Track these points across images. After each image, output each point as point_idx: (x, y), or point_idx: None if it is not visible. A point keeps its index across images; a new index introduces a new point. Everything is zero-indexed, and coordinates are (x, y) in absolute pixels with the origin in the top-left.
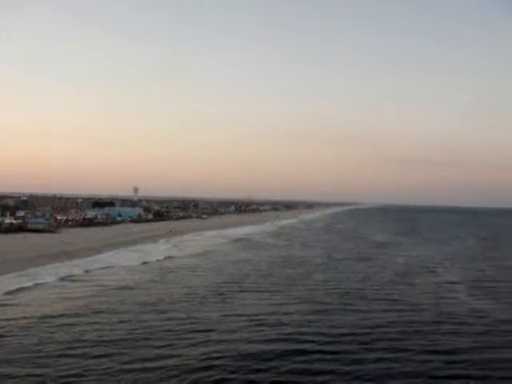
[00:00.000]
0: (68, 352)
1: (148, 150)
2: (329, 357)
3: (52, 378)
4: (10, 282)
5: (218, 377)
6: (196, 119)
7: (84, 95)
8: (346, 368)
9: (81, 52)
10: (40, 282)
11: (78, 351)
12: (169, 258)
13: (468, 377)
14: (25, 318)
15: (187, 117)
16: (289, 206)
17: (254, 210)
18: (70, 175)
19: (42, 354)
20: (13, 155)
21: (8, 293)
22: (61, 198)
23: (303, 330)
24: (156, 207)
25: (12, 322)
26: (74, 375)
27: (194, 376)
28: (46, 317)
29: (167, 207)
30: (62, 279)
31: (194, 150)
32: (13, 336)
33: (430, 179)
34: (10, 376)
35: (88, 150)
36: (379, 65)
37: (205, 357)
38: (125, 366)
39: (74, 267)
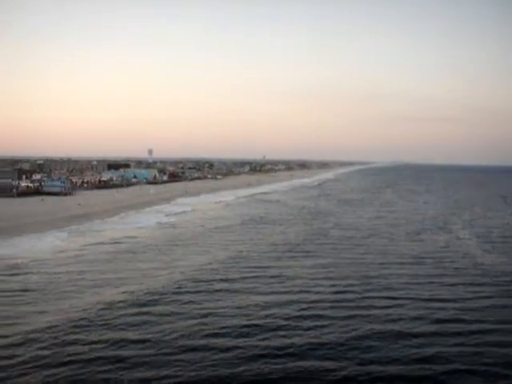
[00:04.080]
0: None
1: (162, 112)
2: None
3: None
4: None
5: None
6: (210, 83)
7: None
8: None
9: None
10: None
11: None
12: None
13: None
14: None
15: (198, 78)
16: (303, 166)
17: (268, 170)
18: (85, 138)
19: None
20: (29, 120)
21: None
22: (76, 161)
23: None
24: (171, 168)
25: None
26: None
27: None
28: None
29: (182, 168)
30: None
31: (209, 112)
32: None
33: (445, 137)
34: None
35: (102, 113)
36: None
37: None
38: None
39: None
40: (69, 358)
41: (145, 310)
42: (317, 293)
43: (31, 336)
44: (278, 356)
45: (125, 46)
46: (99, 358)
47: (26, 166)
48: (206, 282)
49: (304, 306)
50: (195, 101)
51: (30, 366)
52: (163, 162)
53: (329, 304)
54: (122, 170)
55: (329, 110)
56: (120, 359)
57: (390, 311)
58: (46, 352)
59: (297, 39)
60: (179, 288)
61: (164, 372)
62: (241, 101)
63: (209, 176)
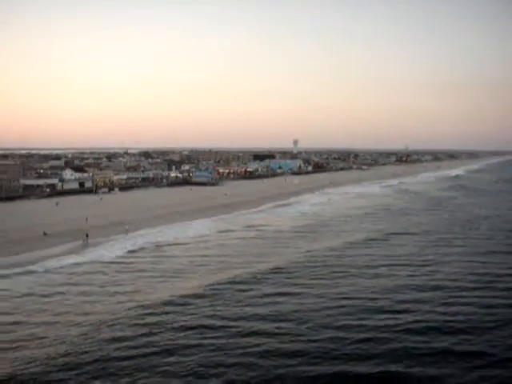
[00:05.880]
0: None
1: (306, 103)
2: None
3: None
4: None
5: None
6: (349, 71)
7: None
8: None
9: None
10: None
11: None
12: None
13: None
14: None
15: (342, 68)
16: (451, 156)
17: (414, 161)
18: (231, 129)
19: None
20: (177, 112)
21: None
22: (223, 152)
23: None
24: (315, 159)
25: None
26: None
27: None
28: None
29: (327, 158)
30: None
31: (351, 102)
32: None
33: None
34: None
35: (248, 104)
36: None
37: None
38: None
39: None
40: (198, 324)
41: (273, 290)
42: (460, 280)
43: (158, 310)
44: (416, 341)
45: (276, 41)
46: (231, 334)
47: (176, 157)
48: (340, 266)
49: (445, 294)
50: (340, 92)
51: (155, 330)
52: (308, 152)
53: (471, 292)
54: (267, 161)
55: (480, 100)
56: (250, 333)
57: None
58: (177, 319)
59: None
60: (311, 271)
61: (301, 347)
62: (384, 92)
63: (354, 167)
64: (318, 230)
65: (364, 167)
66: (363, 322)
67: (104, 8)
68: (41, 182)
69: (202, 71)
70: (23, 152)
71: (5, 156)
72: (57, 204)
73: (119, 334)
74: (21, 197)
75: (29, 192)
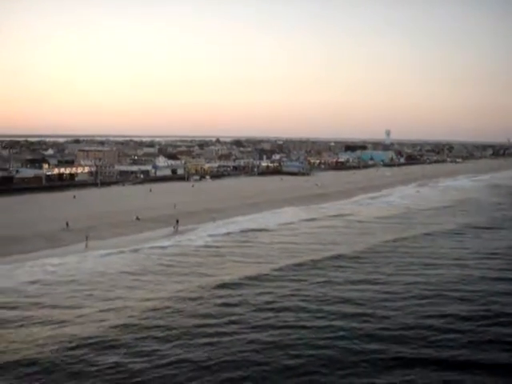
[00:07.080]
0: None
1: (399, 94)
2: None
3: None
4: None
5: None
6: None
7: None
8: None
9: None
10: None
11: None
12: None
13: None
14: None
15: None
16: None
17: None
18: (323, 119)
19: None
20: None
21: None
22: (314, 142)
23: None
24: (408, 151)
25: None
26: None
27: None
28: None
29: (420, 150)
30: None
31: (446, 94)
32: None
33: None
34: None
35: (341, 96)
36: None
37: None
38: None
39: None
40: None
41: (356, 276)
42: None
43: (242, 290)
44: (505, 333)
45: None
46: (313, 315)
47: (267, 146)
48: (427, 256)
49: None
50: (434, 84)
51: (237, 309)
52: (400, 143)
53: None
54: (358, 152)
55: None
56: (333, 316)
57: None
58: (260, 300)
59: None
60: (397, 260)
61: (385, 332)
62: (478, 86)
63: (448, 159)
64: (406, 222)
65: (458, 160)
66: (450, 312)
67: None
68: (135, 168)
69: (298, 66)
70: (119, 139)
71: (101, 143)
72: (150, 190)
73: (203, 310)
74: (116, 182)
75: (123, 178)
